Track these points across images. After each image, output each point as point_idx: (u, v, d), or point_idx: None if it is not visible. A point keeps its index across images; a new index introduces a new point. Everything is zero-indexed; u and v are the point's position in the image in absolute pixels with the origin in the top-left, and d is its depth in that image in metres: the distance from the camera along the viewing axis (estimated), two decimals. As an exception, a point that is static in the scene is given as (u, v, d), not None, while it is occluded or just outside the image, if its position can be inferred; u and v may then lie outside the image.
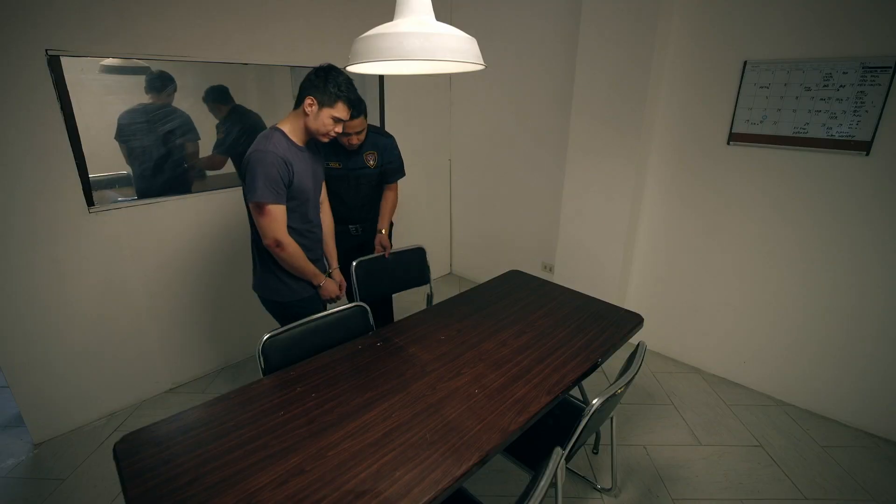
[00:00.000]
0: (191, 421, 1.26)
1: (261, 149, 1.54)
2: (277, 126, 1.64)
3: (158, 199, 2.30)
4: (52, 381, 2.14)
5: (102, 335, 2.25)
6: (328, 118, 1.58)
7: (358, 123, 2.05)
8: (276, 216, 1.57)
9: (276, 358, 1.56)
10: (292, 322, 1.62)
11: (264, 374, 1.52)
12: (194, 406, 1.31)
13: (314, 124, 1.60)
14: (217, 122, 2.48)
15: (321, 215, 1.90)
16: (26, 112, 1.87)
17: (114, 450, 1.16)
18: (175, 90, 2.26)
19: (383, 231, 2.32)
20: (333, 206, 2.28)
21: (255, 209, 1.57)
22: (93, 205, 2.11)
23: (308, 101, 1.56)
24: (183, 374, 2.60)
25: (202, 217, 2.47)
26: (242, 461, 1.12)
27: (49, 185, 1.97)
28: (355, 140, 2.13)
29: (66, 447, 2.14)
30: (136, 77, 2.15)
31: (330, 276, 1.96)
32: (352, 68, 1.26)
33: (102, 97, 2.05)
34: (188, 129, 2.34)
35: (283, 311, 1.80)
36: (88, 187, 2.08)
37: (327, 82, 1.54)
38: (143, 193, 2.27)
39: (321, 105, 1.56)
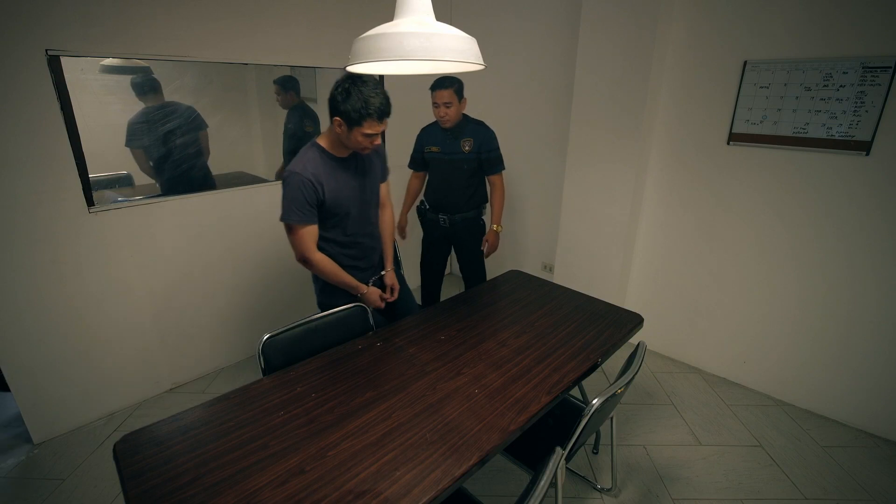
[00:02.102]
0: (191, 421, 1.26)
1: (291, 169, 1.55)
2: (317, 140, 1.62)
3: (158, 199, 2.30)
4: (52, 381, 2.14)
5: (102, 335, 2.25)
6: (359, 136, 1.52)
7: (445, 95, 2.28)
8: (302, 236, 1.59)
9: (276, 358, 1.56)
10: None
11: (264, 374, 1.52)
12: (194, 406, 1.31)
13: (348, 142, 1.56)
14: (285, 112, 2.71)
15: (381, 218, 1.87)
16: (26, 112, 1.87)
17: (114, 450, 1.16)
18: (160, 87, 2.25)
19: (495, 227, 2.53)
20: (429, 193, 2.59)
21: (285, 227, 1.60)
22: (93, 205, 2.11)
23: (336, 121, 1.52)
24: (183, 374, 2.60)
25: (202, 217, 2.47)
26: (242, 461, 1.12)
27: (49, 185, 1.98)
28: (443, 112, 2.32)
29: (66, 447, 2.14)
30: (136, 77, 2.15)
31: (381, 279, 1.92)
32: (352, 68, 1.25)
33: (102, 97, 2.06)
34: (197, 120, 2.38)
35: None
36: (88, 187, 2.08)
37: (348, 101, 1.46)
38: (170, 191, 2.34)
39: (350, 125, 1.50)
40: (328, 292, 1.80)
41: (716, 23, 2.28)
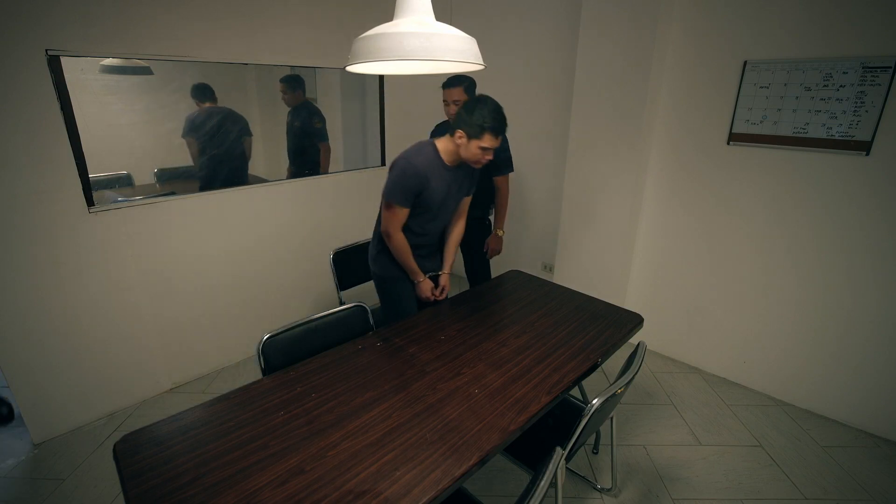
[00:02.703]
0: (191, 421, 1.26)
1: (407, 157, 1.74)
2: (434, 140, 1.80)
3: (158, 199, 2.30)
4: (52, 381, 2.14)
5: (102, 335, 2.25)
6: (476, 148, 1.70)
7: (455, 93, 2.36)
8: (395, 214, 1.78)
9: (276, 358, 1.56)
10: (391, 296, 1.95)
11: (264, 374, 1.52)
12: (194, 406, 1.31)
13: (465, 153, 1.74)
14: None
15: (453, 226, 2.04)
16: (26, 112, 1.87)
17: (114, 450, 1.16)
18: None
19: (500, 233, 2.55)
20: None
21: (383, 201, 1.80)
22: (93, 205, 2.11)
23: (458, 133, 1.71)
24: (183, 374, 2.60)
25: (202, 217, 2.47)
26: (242, 461, 1.12)
27: (49, 185, 1.97)
28: (453, 110, 2.38)
29: (66, 447, 2.14)
30: (136, 77, 2.15)
31: (437, 277, 2.08)
32: (352, 68, 1.26)
33: (102, 97, 2.06)
34: (245, 126, 2.57)
35: (383, 284, 2.02)
36: (88, 187, 2.08)
37: (472, 116, 1.66)
38: (206, 187, 2.50)
39: (469, 137, 1.69)
40: (381, 263, 1.98)
41: (716, 23, 2.28)
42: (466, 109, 1.69)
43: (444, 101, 2.41)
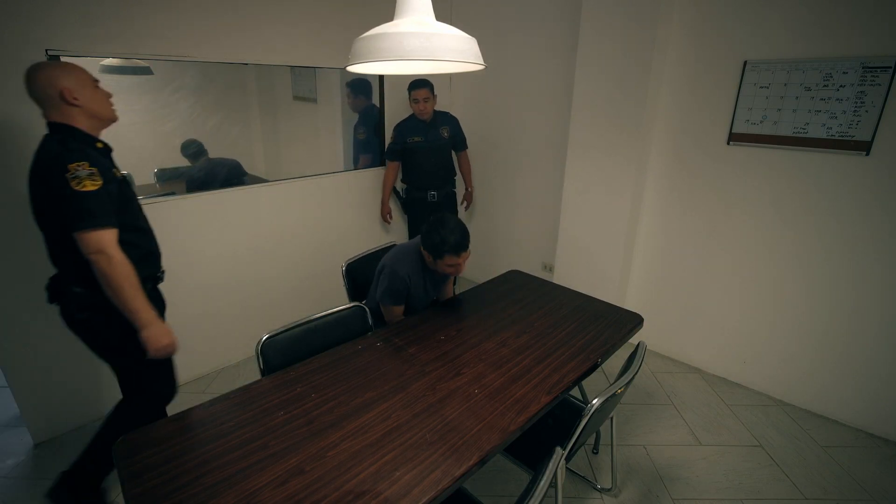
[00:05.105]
0: (191, 421, 1.26)
1: (393, 267, 1.87)
2: (421, 247, 1.89)
3: (157, 199, 2.30)
4: (52, 381, 2.14)
5: (102, 335, 2.25)
6: (443, 266, 1.81)
7: (422, 93, 2.79)
8: (393, 311, 1.93)
9: (276, 358, 1.56)
10: None
11: (263, 374, 1.52)
12: (194, 406, 1.31)
13: (434, 268, 1.86)
14: (356, 118, 3.08)
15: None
16: (26, 112, 1.86)
17: (113, 450, 1.16)
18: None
19: (471, 188, 3.37)
20: (416, 176, 3.07)
21: (381, 303, 1.93)
22: (93, 205, 2.10)
23: (426, 254, 1.83)
24: (183, 374, 2.58)
25: (200, 217, 2.47)
26: (242, 461, 1.12)
27: (49, 185, 1.97)
28: (423, 107, 2.82)
29: (66, 447, 2.13)
30: (136, 77, 2.15)
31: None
32: (352, 68, 1.25)
33: (102, 97, 2.05)
34: (241, 171, 2.62)
35: None
36: (88, 187, 2.07)
37: (432, 239, 1.76)
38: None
39: (434, 257, 1.80)
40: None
41: (716, 23, 2.28)
42: (427, 233, 1.79)
43: (413, 99, 2.80)
